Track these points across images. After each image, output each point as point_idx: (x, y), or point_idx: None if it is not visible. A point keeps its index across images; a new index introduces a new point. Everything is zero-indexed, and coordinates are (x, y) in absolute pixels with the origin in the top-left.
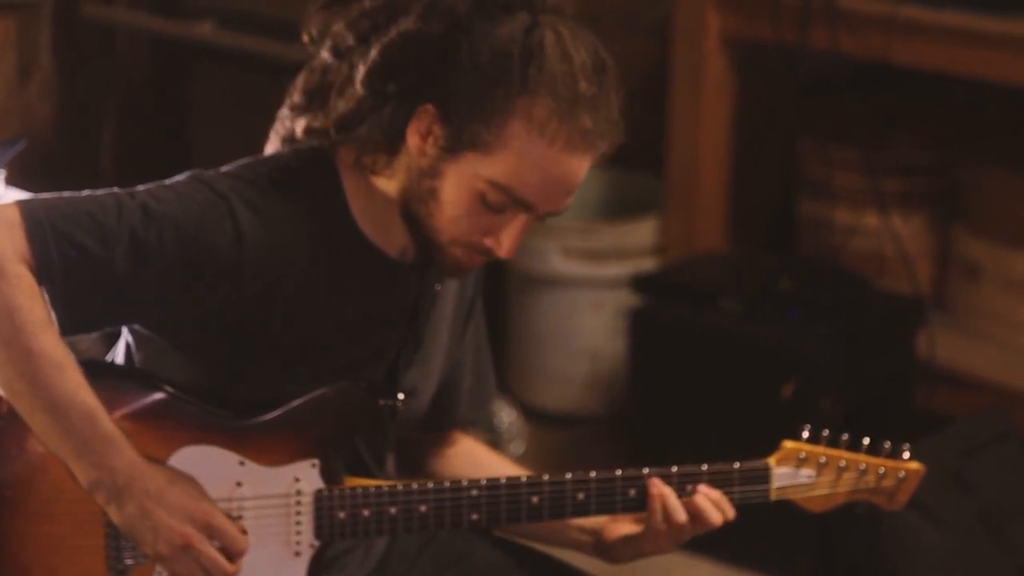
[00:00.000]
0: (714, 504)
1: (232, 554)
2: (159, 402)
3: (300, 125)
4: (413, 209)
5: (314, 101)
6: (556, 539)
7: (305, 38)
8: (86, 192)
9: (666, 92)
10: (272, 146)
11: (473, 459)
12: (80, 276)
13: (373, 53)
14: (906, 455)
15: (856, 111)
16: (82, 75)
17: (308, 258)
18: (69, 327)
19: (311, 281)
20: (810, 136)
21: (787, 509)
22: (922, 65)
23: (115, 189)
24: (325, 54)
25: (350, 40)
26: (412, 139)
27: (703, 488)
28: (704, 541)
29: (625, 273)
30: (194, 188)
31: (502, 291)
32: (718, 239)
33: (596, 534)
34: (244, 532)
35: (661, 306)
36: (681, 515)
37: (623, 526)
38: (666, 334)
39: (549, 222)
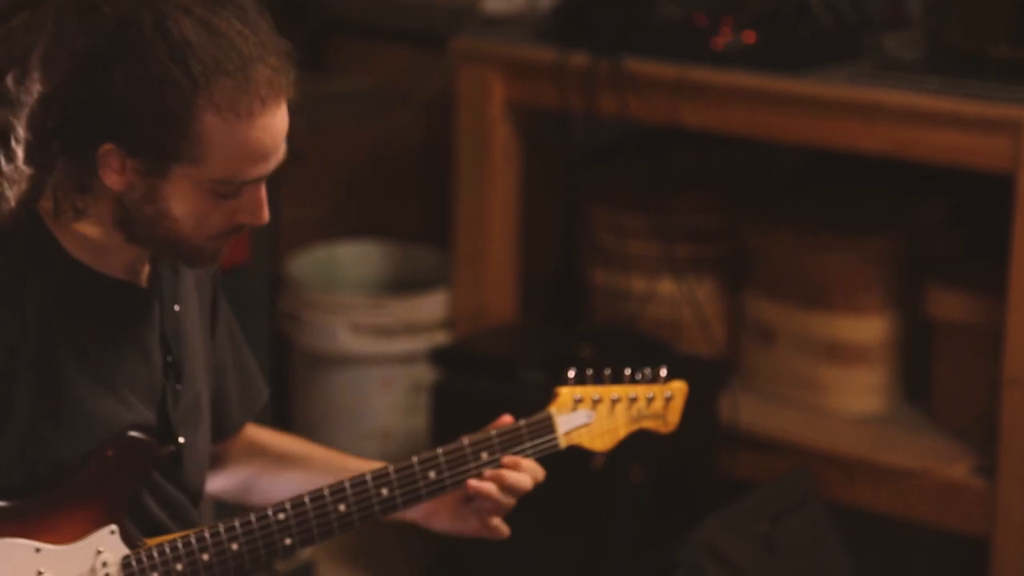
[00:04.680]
0: (524, 470)
1: None
2: None
3: None
4: (147, 234)
5: None
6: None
7: None
8: None
9: (450, 164)
10: None
11: (258, 450)
12: None
13: (21, 132)
14: (663, 372)
15: (644, 178)
16: None
17: (37, 311)
18: None
19: (49, 334)
20: (599, 204)
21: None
22: (710, 127)
23: None
24: None
25: None
26: (110, 180)
27: (507, 460)
28: None
29: (415, 349)
30: None
31: (287, 370)
32: (508, 311)
33: (425, 518)
34: None
35: (461, 380)
36: (503, 499)
37: (445, 507)
38: (469, 408)
39: (337, 300)
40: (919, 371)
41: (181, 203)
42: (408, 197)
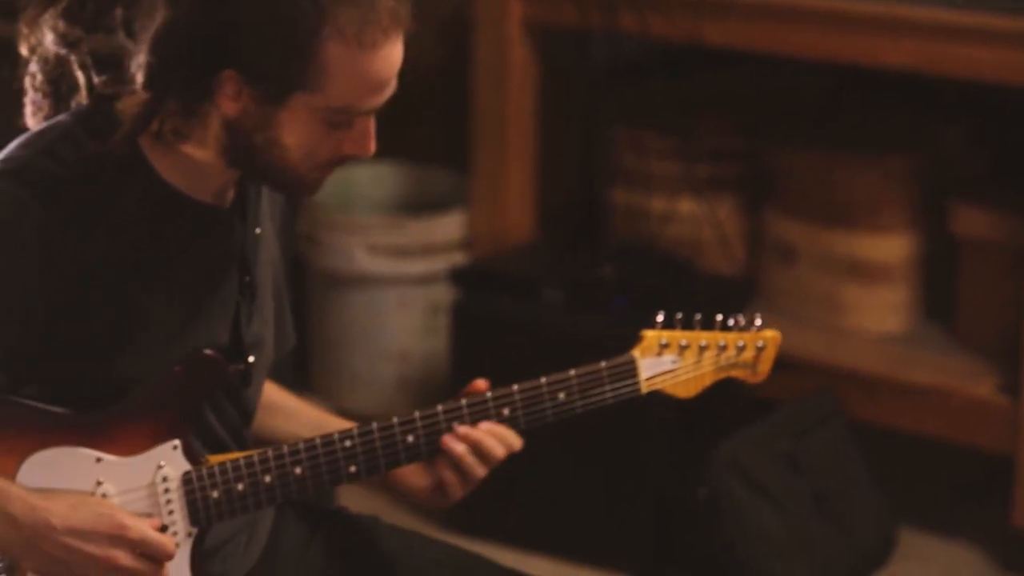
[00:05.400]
0: (496, 437)
1: (161, 559)
2: None
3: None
4: (251, 161)
5: (62, 87)
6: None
7: (24, 50)
8: None
9: (468, 84)
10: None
11: (267, 403)
12: None
13: (143, 56)
14: (758, 321)
15: (665, 97)
16: None
17: (119, 232)
18: None
19: (129, 255)
20: (620, 124)
21: (622, 494)
22: (733, 45)
23: None
24: (53, 48)
25: (78, 31)
26: (226, 106)
27: (485, 426)
28: (538, 535)
29: (432, 269)
30: None
31: (304, 290)
32: (527, 231)
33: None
34: (164, 529)
35: (481, 299)
36: (472, 466)
37: (410, 477)
38: (489, 327)
39: (354, 220)
40: (943, 290)
41: (294, 132)
42: (425, 118)
